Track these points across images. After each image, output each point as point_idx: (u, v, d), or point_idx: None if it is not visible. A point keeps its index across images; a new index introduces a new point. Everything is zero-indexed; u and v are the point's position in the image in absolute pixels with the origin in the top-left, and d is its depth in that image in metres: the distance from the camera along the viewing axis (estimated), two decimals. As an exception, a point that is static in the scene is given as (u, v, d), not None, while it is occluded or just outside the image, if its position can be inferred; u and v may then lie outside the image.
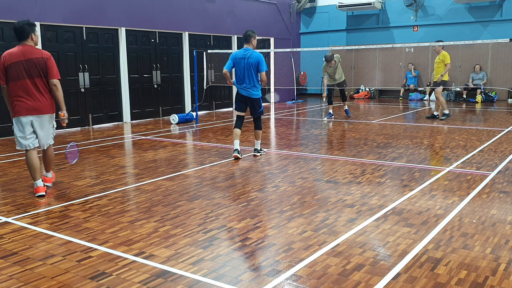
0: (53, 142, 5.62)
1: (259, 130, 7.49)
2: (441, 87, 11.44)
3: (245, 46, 7.33)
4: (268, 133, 10.36)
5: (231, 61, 7.31)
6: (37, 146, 5.42)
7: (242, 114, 7.47)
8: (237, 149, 7.27)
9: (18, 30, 5.30)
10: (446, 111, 11.64)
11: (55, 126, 5.62)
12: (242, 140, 9.11)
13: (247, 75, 7.17)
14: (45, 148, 5.55)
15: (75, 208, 4.88)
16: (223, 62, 14.82)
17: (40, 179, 5.40)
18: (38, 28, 10.25)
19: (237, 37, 15.61)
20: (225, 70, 7.35)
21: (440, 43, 11.09)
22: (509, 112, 13.22)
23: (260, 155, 7.49)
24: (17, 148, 5.45)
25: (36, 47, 5.40)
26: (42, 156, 5.62)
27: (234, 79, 7.45)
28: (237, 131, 7.37)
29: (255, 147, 7.55)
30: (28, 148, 5.35)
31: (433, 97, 16.57)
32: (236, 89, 7.41)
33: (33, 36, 5.36)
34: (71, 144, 6.15)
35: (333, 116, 12.39)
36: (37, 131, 5.38)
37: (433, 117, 11.79)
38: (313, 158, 7.32)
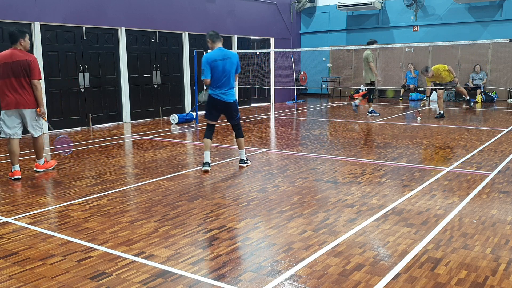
0: (39, 134, 6.38)
1: (242, 138, 6.74)
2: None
3: (217, 46, 6.47)
4: (268, 133, 10.36)
5: (208, 67, 6.33)
6: (20, 136, 6.30)
7: (214, 122, 6.67)
8: (207, 162, 6.49)
9: (10, 35, 6.16)
10: (442, 112, 11.95)
11: (40, 119, 6.34)
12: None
13: (228, 77, 6.40)
14: (34, 138, 6.39)
15: (75, 208, 4.88)
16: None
17: (18, 165, 6.22)
18: (38, 29, 10.26)
19: (237, 37, 15.61)
20: (207, 80, 6.37)
21: (429, 70, 11.29)
22: (509, 112, 13.22)
23: (247, 165, 6.74)
24: (1, 135, 6.33)
25: (24, 50, 6.18)
26: (33, 145, 6.49)
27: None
28: (208, 141, 6.57)
29: (241, 158, 6.75)
30: (12, 137, 6.21)
31: (433, 97, 16.58)
32: (209, 95, 6.52)
33: (22, 41, 6.14)
34: (58, 137, 7.36)
35: (379, 114, 12.81)
36: (25, 122, 6.25)
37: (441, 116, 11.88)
38: (313, 158, 7.32)
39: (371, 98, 12.83)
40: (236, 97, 6.67)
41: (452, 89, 16.40)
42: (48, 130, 7.99)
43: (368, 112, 12.84)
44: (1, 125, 6.23)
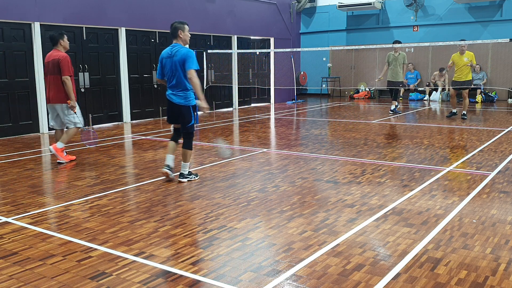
0: (72, 126, 6.99)
1: (186, 150, 5.88)
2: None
3: (173, 41, 5.84)
4: (268, 133, 10.36)
5: (159, 64, 5.91)
6: (59, 127, 7.13)
7: (178, 126, 6.02)
8: (167, 165, 5.92)
9: (50, 38, 6.96)
10: (454, 110, 12.02)
11: (71, 113, 6.94)
12: (242, 140, 9.11)
13: (176, 77, 5.73)
14: (66, 129, 7.09)
15: (75, 208, 4.88)
16: (223, 62, 14.89)
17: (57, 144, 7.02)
18: (38, 29, 10.26)
19: (237, 37, 15.61)
20: (158, 79, 6.05)
21: (465, 43, 11.29)
22: (509, 112, 13.22)
23: (189, 180, 5.90)
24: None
25: (63, 51, 6.88)
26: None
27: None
28: (172, 144, 6.02)
29: (181, 171, 5.90)
30: (53, 128, 7.24)
31: (433, 97, 16.57)
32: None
33: (61, 42, 6.87)
34: (86, 129, 8.28)
35: (398, 107, 13.41)
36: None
37: (453, 115, 11.97)
38: (313, 158, 7.32)
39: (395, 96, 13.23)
40: (192, 102, 5.84)
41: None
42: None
43: (391, 110, 13.11)
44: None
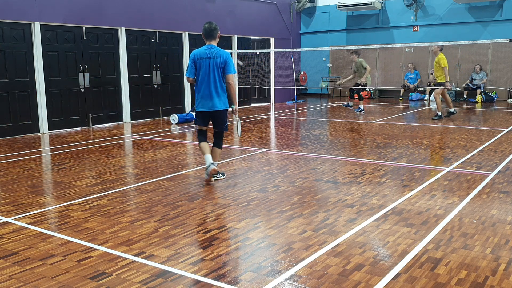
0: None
1: (218, 149, 5.95)
2: (440, 88, 11.77)
3: (207, 43, 5.74)
4: (268, 133, 10.36)
5: (192, 64, 5.75)
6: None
7: (204, 128, 5.97)
8: (213, 163, 5.74)
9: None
10: (439, 112, 11.85)
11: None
12: (242, 140, 9.11)
13: (212, 79, 5.69)
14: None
15: (75, 208, 4.88)
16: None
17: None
18: (38, 29, 10.25)
19: (237, 37, 15.60)
20: (189, 78, 5.88)
21: (439, 44, 11.35)
22: (509, 112, 13.22)
23: (216, 179, 5.92)
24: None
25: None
26: None
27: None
28: (205, 144, 5.88)
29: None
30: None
31: (433, 97, 16.57)
32: (196, 98, 5.93)
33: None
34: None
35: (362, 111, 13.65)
36: None
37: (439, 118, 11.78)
38: (313, 158, 7.32)
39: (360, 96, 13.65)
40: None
41: (452, 89, 16.41)
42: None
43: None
44: None
